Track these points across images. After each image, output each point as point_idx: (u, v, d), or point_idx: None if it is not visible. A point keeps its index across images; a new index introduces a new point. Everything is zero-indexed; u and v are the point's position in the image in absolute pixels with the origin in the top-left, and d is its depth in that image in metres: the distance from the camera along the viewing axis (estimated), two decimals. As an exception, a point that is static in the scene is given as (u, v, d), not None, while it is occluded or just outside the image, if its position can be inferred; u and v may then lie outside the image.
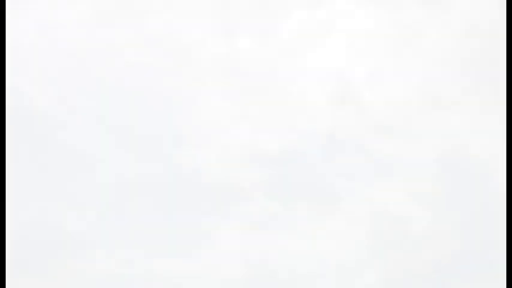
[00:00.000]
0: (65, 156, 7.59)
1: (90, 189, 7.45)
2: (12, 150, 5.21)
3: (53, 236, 6.89)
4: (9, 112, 5.37)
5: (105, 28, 9.10)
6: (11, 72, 5.13)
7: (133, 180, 8.36)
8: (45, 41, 8.08)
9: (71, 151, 7.70)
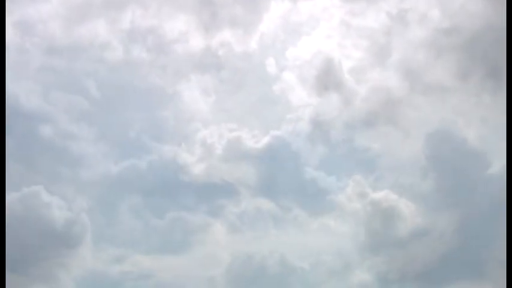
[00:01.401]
0: (49, 152, 7.60)
1: (76, 186, 7.50)
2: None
3: (40, 234, 6.90)
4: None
5: (86, 23, 8.96)
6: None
7: (118, 176, 8.35)
8: (26, 37, 8.02)
9: (55, 147, 7.70)
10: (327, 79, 21.16)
